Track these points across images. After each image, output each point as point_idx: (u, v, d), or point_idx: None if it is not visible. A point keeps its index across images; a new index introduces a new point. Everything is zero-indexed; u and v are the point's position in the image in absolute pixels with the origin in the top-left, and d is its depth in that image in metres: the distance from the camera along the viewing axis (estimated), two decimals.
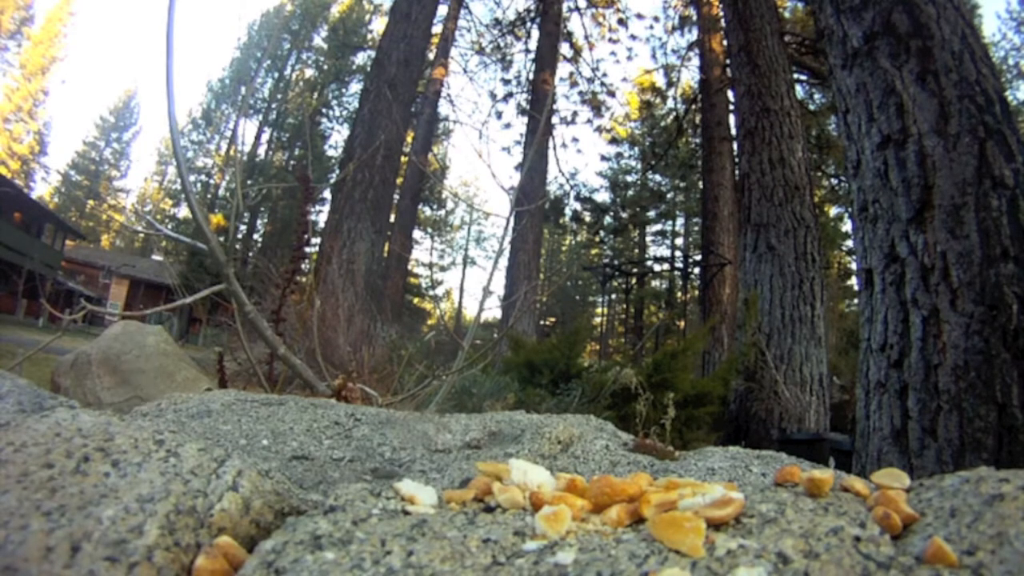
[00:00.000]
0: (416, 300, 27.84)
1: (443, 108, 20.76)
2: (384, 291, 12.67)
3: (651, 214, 27.57)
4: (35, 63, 27.56)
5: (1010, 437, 2.40)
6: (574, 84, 21.96)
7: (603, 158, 29.51)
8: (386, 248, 14.68)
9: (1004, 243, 2.63)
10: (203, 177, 28.13)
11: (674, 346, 7.20)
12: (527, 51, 20.72)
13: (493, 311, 17.97)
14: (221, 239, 2.73)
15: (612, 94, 22.53)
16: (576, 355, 6.59)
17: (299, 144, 27.58)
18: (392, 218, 15.26)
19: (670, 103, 21.20)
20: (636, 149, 26.44)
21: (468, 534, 0.71)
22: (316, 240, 12.77)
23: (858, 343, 3.45)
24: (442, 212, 32.46)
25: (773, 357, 7.20)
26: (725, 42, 13.87)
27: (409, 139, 17.11)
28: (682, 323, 21.03)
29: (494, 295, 16.08)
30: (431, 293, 31.15)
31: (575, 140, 33.03)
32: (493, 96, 21.48)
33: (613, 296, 25.81)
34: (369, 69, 15.66)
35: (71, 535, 0.73)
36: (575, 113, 22.79)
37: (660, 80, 22.02)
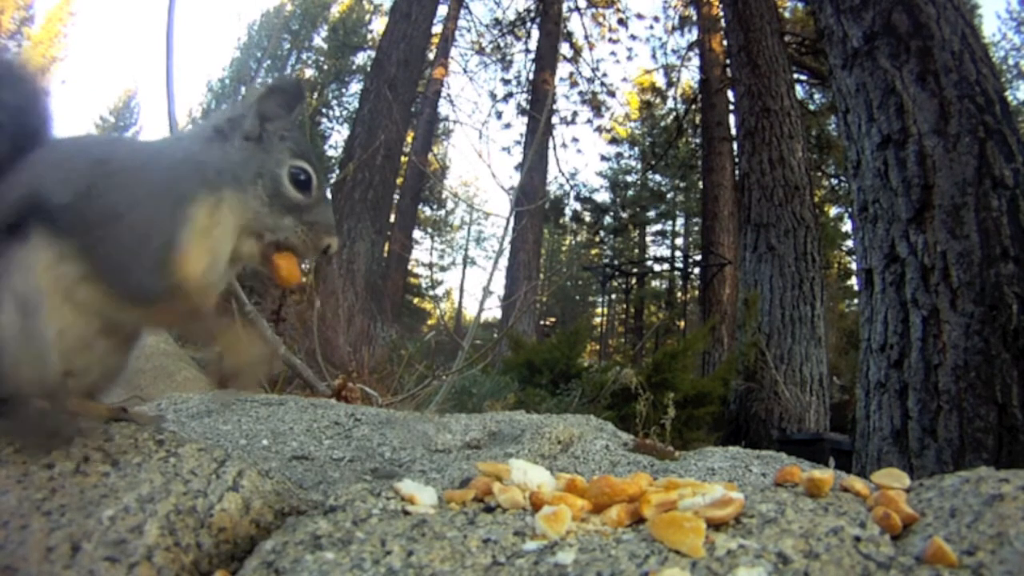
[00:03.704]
0: (416, 300, 27.81)
1: (443, 108, 20.76)
2: (384, 291, 12.67)
3: (651, 214, 27.52)
4: (35, 63, 27.57)
5: (1010, 437, 2.40)
6: (574, 84, 21.95)
7: (603, 158, 29.45)
8: (386, 248, 14.67)
9: (1004, 243, 2.63)
10: None
11: (674, 346, 7.20)
12: (527, 51, 20.72)
13: (493, 311, 17.97)
14: None
15: (612, 94, 22.53)
16: (576, 355, 6.59)
17: None
18: (392, 218, 15.26)
19: (670, 103, 21.21)
20: (636, 149, 26.40)
21: (468, 534, 0.71)
22: None
23: (858, 343, 3.44)
24: (442, 212, 32.43)
25: (773, 357, 7.20)
26: (725, 42, 13.86)
27: (409, 139, 17.12)
28: (682, 323, 21.03)
29: (494, 295, 16.07)
30: (431, 293, 31.13)
31: (575, 140, 32.91)
32: (493, 96, 21.47)
33: (613, 296, 25.75)
34: (369, 69, 15.66)
35: (71, 535, 0.72)
36: (575, 113, 22.73)
37: (660, 80, 22.02)
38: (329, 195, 0.97)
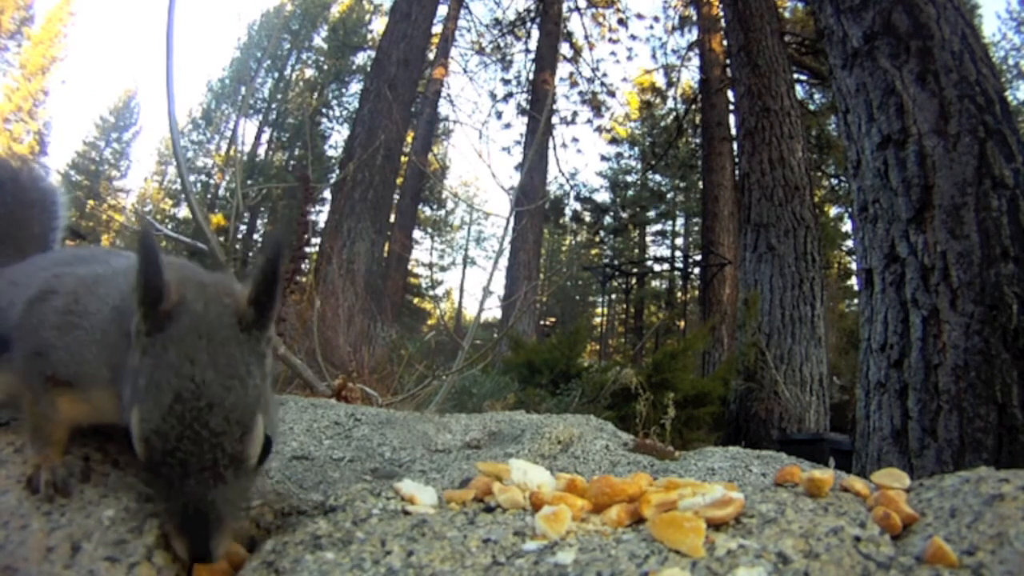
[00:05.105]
0: (416, 300, 27.81)
1: (443, 108, 20.74)
2: (384, 291, 12.66)
3: (651, 214, 27.52)
4: (35, 63, 27.53)
5: (1010, 437, 2.40)
6: (574, 84, 21.93)
7: (603, 158, 29.45)
8: (386, 248, 14.67)
9: (1004, 243, 2.63)
10: (203, 177, 28.12)
11: (674, 346, 7.20)
12: (527, 51, 20.70)
13: (493, 311, 17.97)
14: (221, 239, 2.73)
15: (612, 94, 22.52)
16: (576, 355, 6.59)
17: (299, 144, 27.58)
18: (392, 218, 15.25)
19: (670, 103, 21.20)
20: (636, 149, 26.41)
21: (468, 534, 0.71)
22: (316, 240, 12.77)
23: (858, 343, 3.44)
24: (442, 212, 32.43)
25: (773, 357, 7.20)
26: (725, 42, 13.86)
27: (409, 139, 17.11)
28: (682, 323, 21.02)
29: (494, 295, 16.08)
30: (431, 293, 31.12)
31: (575, 140, 32.85)
32: (493, 96, 21.45)
33: (613, 296, 25.77)
34: (369, 69, 15.67)
35: (71, 535, 0.72)
36: (575, 113, 22.69)
37: (660, 80, 22.01)
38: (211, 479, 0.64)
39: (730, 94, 13.50)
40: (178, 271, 0.74)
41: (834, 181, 17.05)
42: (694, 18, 18.23)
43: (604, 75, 26.01)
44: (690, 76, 20.14)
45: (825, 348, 7.59)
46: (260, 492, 0.87)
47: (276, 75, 29.34)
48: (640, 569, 0.60)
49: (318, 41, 28.50)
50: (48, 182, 1.23)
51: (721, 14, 13.04)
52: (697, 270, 15.85)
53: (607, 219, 25.45)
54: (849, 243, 18.15)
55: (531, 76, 18.89)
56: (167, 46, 2.43)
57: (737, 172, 12.72)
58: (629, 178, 26.82)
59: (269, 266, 0.70)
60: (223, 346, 0.66)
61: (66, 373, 0.76)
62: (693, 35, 18.46)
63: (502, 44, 21.30)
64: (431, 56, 18.04)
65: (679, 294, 23.83)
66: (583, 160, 69.07)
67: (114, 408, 0.73)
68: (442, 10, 18.10)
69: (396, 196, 15.81)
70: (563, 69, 21.06)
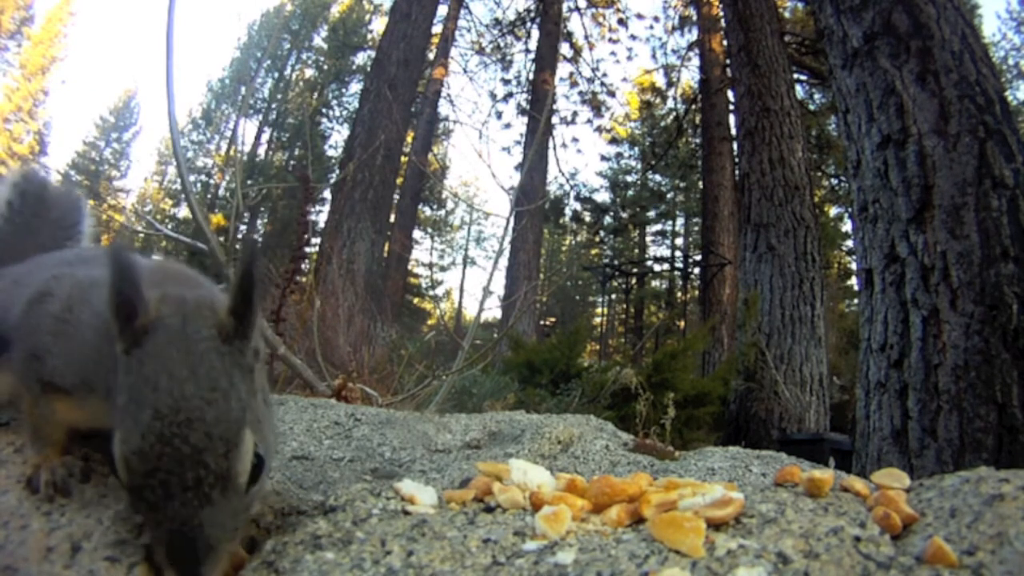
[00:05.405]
0: (416, 300, 27.80)
1: (443, 108, 20.73)
2: (384, 291, 12.66)
3: (651, 214, 27.51)
4: (35, 63, 27.54)
5: (1010, 437, 2.40)
6: (574, 84, 21.93)
7: (603, 158, 29.45)
8: (386, 248, 14.67)
9: (1004, 243, 2.63)
10: (203, 177, 28.11)
11: (674, 346, 7.20)
12: (527, 51, 20.70)
13: (493, 311, 17.97)
14: (221, 239, 2.73)
15: (612, 94, 22.51)
16: (576, 355, 6.59)
17: (299, 144, 27.57)
18: (392, 218, 15.24)
19: (670, 103, 21.19)
20: (636, 149, 26.42)
21: (468, 534, 0.71)
22: (316, 240, 12.76)
23: (858, 343, 3.45)
24: (442, 212, 32.43)
25: (773, 357, 7.20)
26: (725, 42, 13.87)
27: (409, 139, 17.10)
28: (682, 323, 21.02)
29: (494, 295, 16.07)
30: (431, 293, 31.12)
31: (575, 140, 32.83)
32: (493, 96, 21.45)
33: (613, 296, 25.78)
34: (369, 69, 15.67)
35: (71, 535, 0.72)
36: (575, 113, 22.68)
37: (660, 80, 22.01)
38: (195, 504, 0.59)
39: (730, 94, 13.50)
40: (160, 284, 0.71)
41: (834, 181, 17.06)
42: (694, 18, 18.23)
43: (604, 75, 26.01)
44: (690, 76, 20.14)
45: (825, 348, 7.59)
46: (260, 492, 0.87)
47: (276, 75, 29.33)
48: (640, 569, 0.60)
49: (318, 41, 28.50)
50: (75, 194, 1.23)
51: (721, 14, 13.04)
52: (697, 270, 15.85)
53: (607, 219, 25.45)
54: (849, 243, 18.17)
55: (531, 76, 18.89)
56: (167, 46, 2.43)
57: (737, 172, 12.72)
58: (629, 178, 26.83)
59: (245, 274, 0.67)
60: (203, 359, 0.63)
61: (61, 380, 0.76)
62: (693, 35, 18.46)
63: (502, 44, 21.31)
64: (431, 56, 18.04)
65: (679, 294, 23.83)
66: (583, 160, 69.13)
67: (109, 417, 0.70)
68: (442, 10, 18.10)
69: (396, 196, 15.81)
70: (563, 69, 21.07)
